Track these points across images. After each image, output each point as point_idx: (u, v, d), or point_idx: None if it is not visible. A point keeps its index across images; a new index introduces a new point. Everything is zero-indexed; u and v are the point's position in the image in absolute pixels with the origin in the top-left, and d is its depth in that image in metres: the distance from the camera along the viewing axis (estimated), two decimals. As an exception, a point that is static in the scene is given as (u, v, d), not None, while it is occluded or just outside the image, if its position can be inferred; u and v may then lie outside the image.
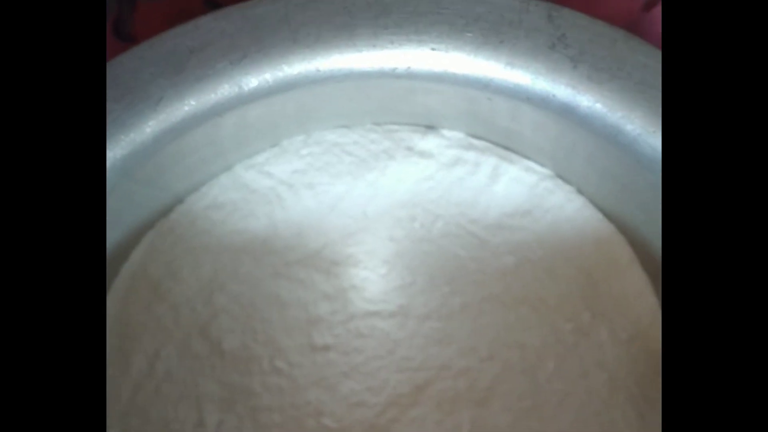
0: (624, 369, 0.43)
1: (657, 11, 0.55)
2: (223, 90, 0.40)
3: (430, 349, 0.43)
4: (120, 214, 0.43)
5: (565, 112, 0.40)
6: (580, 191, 0.46)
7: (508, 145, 0.47)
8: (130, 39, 0.57)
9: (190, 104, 0.40)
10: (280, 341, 0.43)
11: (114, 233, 0.43)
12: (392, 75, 0.41)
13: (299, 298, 0.45)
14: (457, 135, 0.48)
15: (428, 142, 0.48)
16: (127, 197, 0.43)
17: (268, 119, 0.45)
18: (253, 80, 0.40)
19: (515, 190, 0.47)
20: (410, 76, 0.41)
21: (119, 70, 0.39)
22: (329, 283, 0.45)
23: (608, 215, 0.46)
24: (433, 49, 0.40)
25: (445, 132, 0.48)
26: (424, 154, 0.47)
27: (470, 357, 0.43)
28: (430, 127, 0.48)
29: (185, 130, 0.41)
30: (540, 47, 0.39)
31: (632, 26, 0.53)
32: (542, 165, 0.47)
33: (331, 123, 0.48)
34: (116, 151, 0.39)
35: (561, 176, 0.47)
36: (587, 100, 0.39)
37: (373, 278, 0.45)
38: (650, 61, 0.38)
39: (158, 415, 0.42)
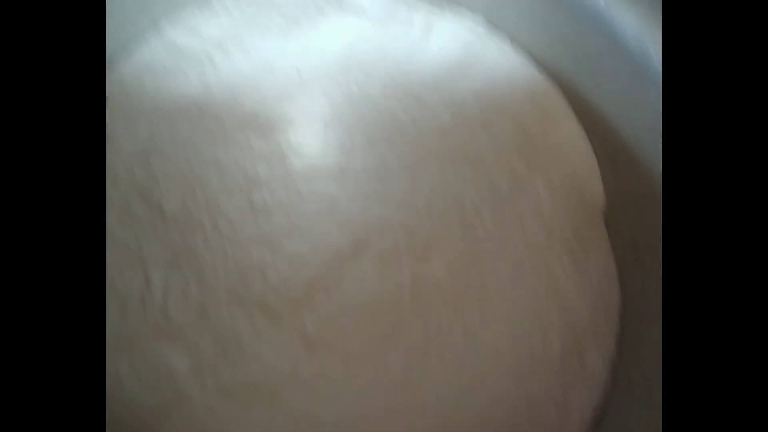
0: (560, 219, 0.45)
1: None
2: None
3: (370, 206, 0.45)
4: None
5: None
6: (513, 40, 0.46)
7: None
8: None
9: None
10: (221, 203, 0.44)
11: None
12: None
13: (237, 161, 0.45)
14: None
15: None
16: None
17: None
18: None
19: (450, 45, 0.47)
20: None
21: None
22: (267, 144, 0.46)
23: (542, 67, 0.47)
24: None
25: None
26: (356, 11, 0.47)
27: (409, 213, 0.45)
28: None
29: None
30: None
31: None
32: (476, 19, 0.47)
33: None
34: None
35: (495, 29, 0.47)
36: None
37: (310, 139, 0.46)
38: None
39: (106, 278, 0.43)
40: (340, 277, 0.43)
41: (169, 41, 0.46)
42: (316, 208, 0.44)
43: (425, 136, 0.46)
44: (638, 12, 0.42)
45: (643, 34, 0.41)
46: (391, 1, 0.47)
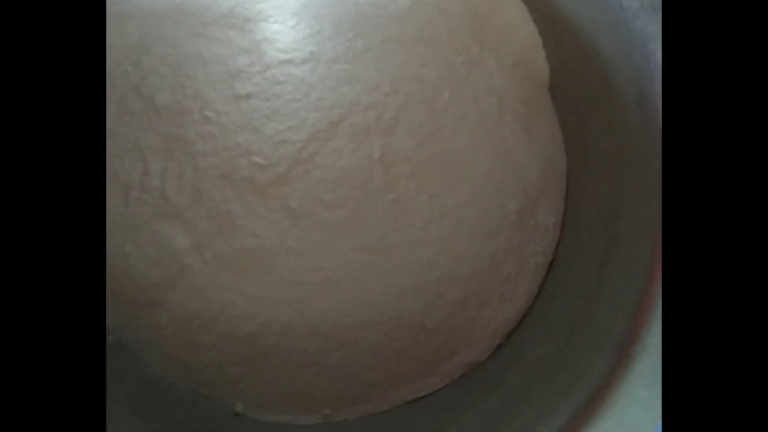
0: (511, 92, 0.50)
1: None
2: None
3: (340, 88, 0.49)
4: None
5: None
6: None
7: None
8: None
9: None
10: (207, 94, 0.49)
11: None
12: None
13: (219, 54, 0.50)
14: None
15: None
16: None
17: None
18: None
19: None
20: None
21: None
22: (244, 38, 0.50)
23: None
24: None
25: None
26: None
27: (376, 93, 0.49)
28: None
29: None
30: None
31: None
32: None
33: None
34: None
35: None
36: None
37: (283, 30, 0.50)
38: None
39: (108, 168, 0.49)
40: (317, 153, 0.48)
41: None
42: (292, 91, 0.49)
43: (386, 21, 0.50)
44: None
45: None
46: None
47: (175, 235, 0.48)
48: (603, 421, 0.35)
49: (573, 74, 0.49)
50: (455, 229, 0.48)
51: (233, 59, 0.50)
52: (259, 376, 0.47)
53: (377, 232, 0.48)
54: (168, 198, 0.48)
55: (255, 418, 0.48)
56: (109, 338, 0.47)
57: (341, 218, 0.48)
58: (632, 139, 0.42)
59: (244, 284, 0.47)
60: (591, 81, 0.47)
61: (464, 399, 0.46)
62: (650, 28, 0.40)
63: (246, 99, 0.49)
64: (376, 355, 0.47)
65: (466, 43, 0.50)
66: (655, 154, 0.39)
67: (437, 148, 0.49)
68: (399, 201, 0.48)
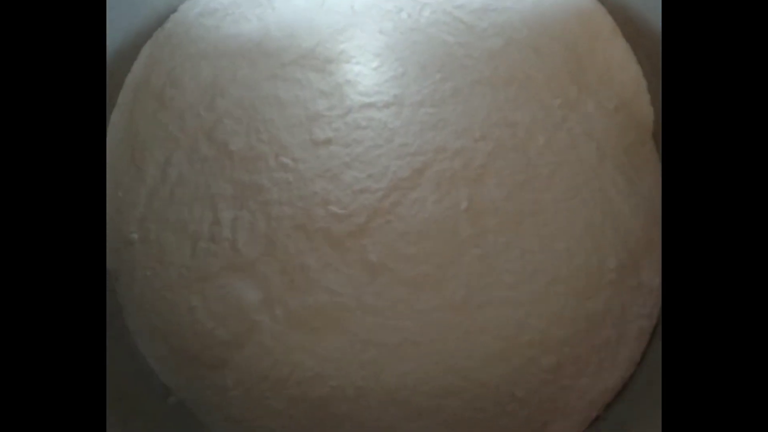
0: (612, 138, 0.48)
1: None
2: None
3: (425, 134, 0.48)
4: (116, 24, 0.47)
5: None
6: None
7: None
8: None
9: None
10: (283, 138, 0.49)
11: (113, 44, 0.48)
12: None
13: (297, 97, 0.49)
14: None
15: None
16: (120, 5, 0.47)
17: None
18: None
19: None
20: None
21: None
22: (324, 80, 0.50)
23: None
24: None
25: None
26: None
27: (464, 138, 0.48)
28: None
29: None
30: None
31: None
32: None
33: None
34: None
35: None
36: None
37: (366, 72, 0.50)
38: None
39: (175, 218, 0.48)
40: (399, 202, 0.47)
41: None
42: (373, 136, 0.48)
43: (476, 62, 0.49)
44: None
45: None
46: None
47: (245, 290, 0.47)
48: None
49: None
50: (549, 288, 0.46)
51: (312, 102, 0.49)
52: (330, 444, 0.45)
53: (462, 289, 0.46)
54: (238, 250, 0.47)
55: (324, 488, 0.45)
56: (171, 399, 0.46)
57: (424, 274, 0.46)
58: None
59: (317, 344, 0.46)
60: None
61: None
62: None
63: (325, 145, 0.48)
64: (458, 426, 0.45)
65: (564, 84, 0.49)
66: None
67: (530, 198, 0.47)
68: (487, 256, 0.46)
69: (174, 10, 0.52)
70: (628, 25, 0.48)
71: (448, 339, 0.45)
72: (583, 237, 0.47)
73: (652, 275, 0.47)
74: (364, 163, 0.48)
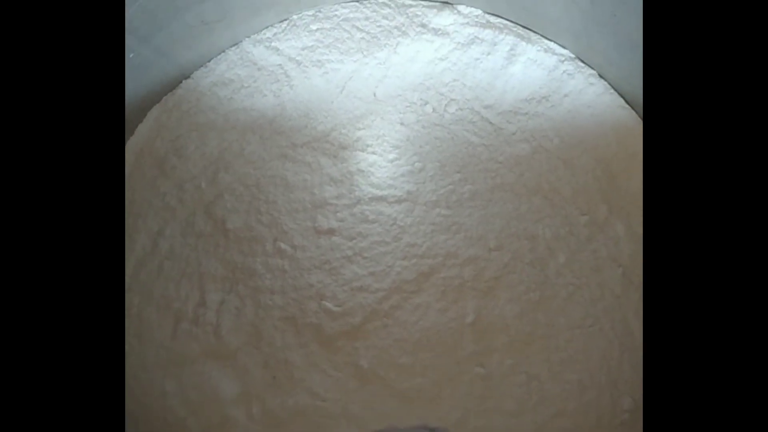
0: (640, 266, 0.50)
1: None
2: None
3: (437, 236, 0.51)
4: (126, 85, 0.50)
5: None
6: (601, 75, 0.53)
7: (527, 23, 0.53)
8: None
9: None
10: (285, 223, 0.51)
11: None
12: None
13: (305, 181, 0.52)
14: (474, 11, 0.54)
15: (444, 19, 0.54)
16: (132, 65, 0.50)
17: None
18: None
19: (533, 73, 0.53)
20: None
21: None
22: (336, 166, 0.53)
23: (631, 101, 0.52)
24: None
25: (462, 8, 0.54)
26: (438, 32, 0.54)
27: (478, 246, 0.50)
28: (447, 3, 0.54)
29: None
30: None
31: None
32: (563, 45, 0.53)
33: None
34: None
35: (582, 59, 0.53)
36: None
37: (381, 163, 0.53)
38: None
39: (161, 293, 0.50)
40: (399, 306, 0.49)
41: (248, 56, 0.54)
42: (380, 232, 0.51)
43: (500, 166, 0.52)
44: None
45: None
46: (476, 24, 0.53)
47: (224, 380, 0.49)
48: None
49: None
50: (554, 422, 0.47)
51: (320, 188, 0.52)
52: None
53: (458, 410, 0.47)
54: (222, 336, 0.49)
55: None
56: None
57: (418, 388, 0.48)
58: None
59: (292, 449, 0.46)
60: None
61: None
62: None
63: (327, 235, 0.51)
64: None
65: (593, 201, 0.51)
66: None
67: (543, 319, 0.49)
68: (490, 377, 0.48)
69: (187, 76, 0.55)
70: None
71: (437, 463, 0.45)
72: (597, 370, 0.48)
73: (669, 422, 0.48)
74: (367, 259, 0.50)
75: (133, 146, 0.54)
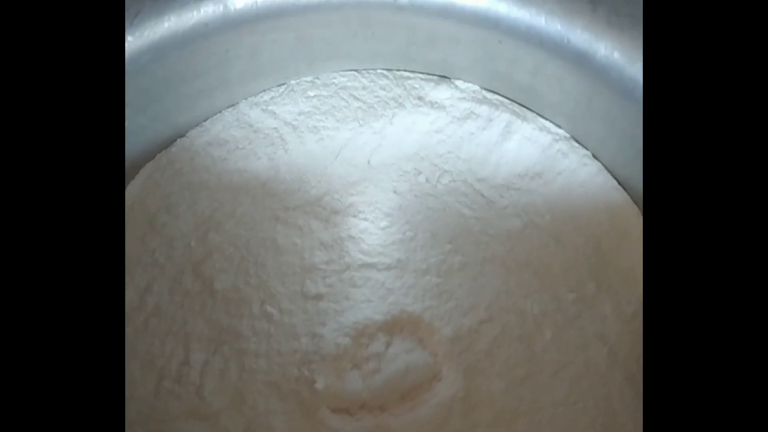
0: (626, 345, 0.52)
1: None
2: (206, 8, 0.49)
3: (425, 302, 0.53)
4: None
5: (581, 60, 0.47)
6: (595, 156, 0.56)
7: (523, 101, 0.56)
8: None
9: (170, 21, 0.49)
10: (273, 286, 0.54)
11: None
12: (394, 6, 0.49)
13: (296, 245, 0.55)
14: (472, 87, 0.57)
15: (441, 93, 0.58)
16: (126, 129, 0.52)
17: (273, 54, 0.54)
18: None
19: (527, 150, 0.56)
20: (414, 8, 0.48)
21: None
22: (327, 231, 0.55)
23: (624, 183, 0.55)
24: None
25: (459, 83, 0.57)
26: (435, 105, 0.57)
27: (469, 316, 0.53)
28: (444, 77, 0.57)
29: (167, 50, 0.50)
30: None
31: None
32: (558, 125, 0.56)
33: (341, 65, 0.57)
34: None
35: (577, 139, 0.56)
36: (605, 47, 0.46)
37: (372, 230, 0.55)
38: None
39: (145, 350, 0.52)
40: (384, 375, 0.51)
41: (245, 118, 0.57)
42: (368, 296, 0.53)
43: (491, 240, 0.54)
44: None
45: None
46: (473, 100, 0.56)
47: None
48: None
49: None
50: None
51: (310, 252, 0.55)
52: None
53: None
54: (204, 397, 0.51)
55: None
56: None
57: None
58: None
59: None
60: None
61: None
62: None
63: (314, 300, 0.53)
64: None
65: (582, 279, 0.54)
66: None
67: (529, 396, 0.51)
68: (474, 454, 0.48)
69: (182, 135, 0.58)
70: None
71: None
72: (579, 447, 0.48)
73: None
74: (353, 322, 0.53)
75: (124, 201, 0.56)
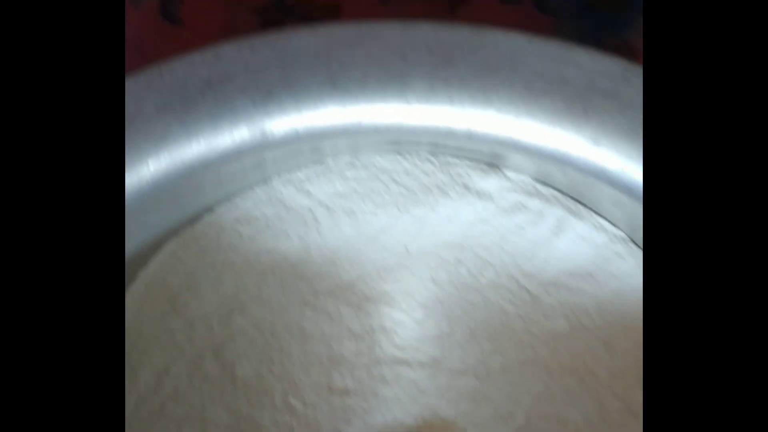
0: None
1: None
2: (241, 133, 0.48)
3: (461, 405, 0.51)
4: (142, 217, 0.51)
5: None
6: None
7: (578, 196, 0.55)
8: (178, 22, 0.70)
9: (199, 144, 0.47)
10: (297, 377, 0.52)
11: (134, 236, 0.53)
12: (448, 134, 0.48)
13: (323, 333, 0.53)
14: (522, 178, 0.56)
15: (488, 182, 0.56)
16: (152, 203, 0.51)
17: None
18: (277, 126, 0.48)
19: (580, 248, 0.54)
20: (471, 138, 0.47)
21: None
22: (358, 320, 0.54)
23: None
24: (499, 111, 0.46)
25: (509, 173, 0.56)
26: (481, 195, 0.56)
27: (507, 424, 0.50)
28: (493, 165, 0.56)
29: (194, 172, 0.48)
30: (636, 124, 0.44)
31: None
32: (615, 225, 0.54)
33: (383, 147, 0.56)
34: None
35: (635, 241, 0.54)
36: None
37: (406, 322, 0.53)
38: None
39: None
40: None
41: (277, 195, 0.56)
42: (398, 395, 0.51)
43: (534, 340, 0.52)
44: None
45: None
46: (523, 192, 0.55)
47: None
48: None
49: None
50: None
51: (338, 342, 0.53)
52: None
53: None
54: None
55: None
56: None
57: None
58: None
59: None
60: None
61: None
62: None
63: (341, 395, 0.51)
64: None
65: (629, 388, 0.51)
66: None
67: None
68: None
69: (209, 210, 0.56)
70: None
71: None
72: None
73: None
74: (380, 422, 0.51)
75: (144, 278, 0.54)
